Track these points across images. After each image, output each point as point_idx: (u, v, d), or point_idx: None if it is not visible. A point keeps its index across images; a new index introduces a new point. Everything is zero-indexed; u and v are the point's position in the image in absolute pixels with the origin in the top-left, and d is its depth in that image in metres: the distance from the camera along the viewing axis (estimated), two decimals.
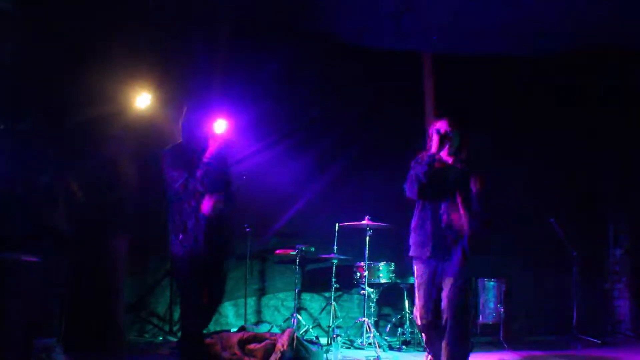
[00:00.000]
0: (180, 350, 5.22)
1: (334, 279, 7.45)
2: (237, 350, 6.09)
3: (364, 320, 7.20)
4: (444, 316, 4.80)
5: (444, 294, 4.84)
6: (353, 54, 8.68)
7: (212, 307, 5.23)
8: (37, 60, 6.23)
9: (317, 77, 8.61)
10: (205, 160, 5.04)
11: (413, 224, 5.03)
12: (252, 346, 6.05)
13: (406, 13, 7.91)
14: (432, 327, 4.90)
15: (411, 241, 5.03)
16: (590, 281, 8.91)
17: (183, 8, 7.78)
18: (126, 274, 7.24)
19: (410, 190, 4.88)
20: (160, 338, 7.40)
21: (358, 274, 7.50)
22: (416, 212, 5.02)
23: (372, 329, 7.05)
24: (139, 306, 7.68)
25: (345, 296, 8.41)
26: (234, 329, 7.01)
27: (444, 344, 4.77)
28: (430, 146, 4.92)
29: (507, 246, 8.75)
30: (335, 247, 7.48)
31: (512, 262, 8.61)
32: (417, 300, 4.99)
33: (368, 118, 8.78)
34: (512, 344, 7.46)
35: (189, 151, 5.12)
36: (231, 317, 8.13)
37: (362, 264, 7.37)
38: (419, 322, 4.97)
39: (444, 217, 4.88)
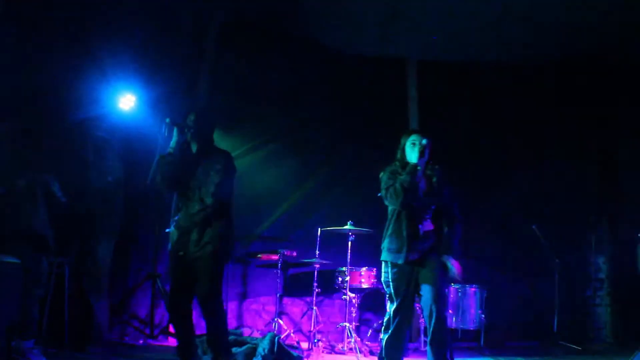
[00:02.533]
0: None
1: (315, 284, 7.45)
2: None
3: (346, 325, 7.21)
4: (424, 324, 4.89)
5: (422, 302, 4.93)
6: (339, 60, 8.70)
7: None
8: (18, 60, 6.21)
9: (302, 82, 8.61)
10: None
11: (389, 230, 5.09)
12: (233, 350, 6.05)
13: (392, 20, 7.96)
14: (401, 330, 4.98)
15: (386, 246, 5.08)
16: (571, 288, 8.94)
17: (169, 9, 7.78)
18: (108, 276, 7.23)
19: (393, 199, 4.95)
20: (141, 341, 7.36)
21: (340, 279, 7.50)
22: (391, 219, 5.09)
23: (354, 334, 7.06)
24: (121, 308, 7.63)
25: (327, 301, 8.40)
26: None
27: (433, 351, 4.85)
28: (403, 157, 5.10)
29: (489, 252, 8.80)
30: (317, 252, 7.47)
31: (494, 268, 8.65)
32: (390, 303, 5.10)
33: (353, 124, 8.79)
34: (492, 350, 7.50)
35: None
36: None
37: (344, 268, 7.37)
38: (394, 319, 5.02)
39: (421, 224, 4.99)
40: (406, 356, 5.20)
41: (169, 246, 5.09)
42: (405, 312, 4.99)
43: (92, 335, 6.69)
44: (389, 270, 5.07)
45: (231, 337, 6.26)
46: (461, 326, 7.75)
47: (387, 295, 5.18)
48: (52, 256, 5.75)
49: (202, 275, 4.94)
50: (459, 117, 9.06)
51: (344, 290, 7.38)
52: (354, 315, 7.51)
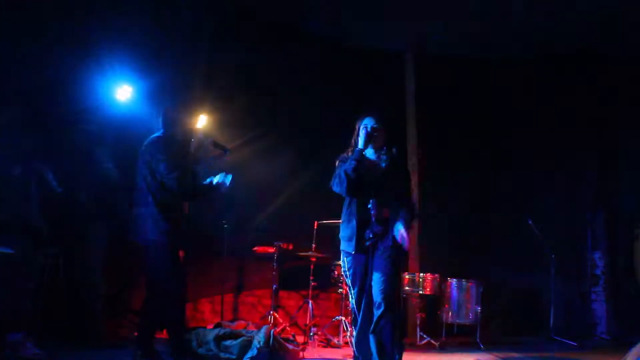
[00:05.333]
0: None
1: (311, 277, 7.43)
2: (212, 347, 6.07)
3: (341, 319, 7.19)
4: (377, 312, 4.79)
5: (376, 289, 4.81)
6: (336, 53, 8.67)
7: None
8: (14, 52, 6.17)
9: (299, 75, 8.57)
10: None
11: (342, 219, 5.04)
12: (228, 343, 6.03)
13: (389, 13, 7.94)
14: (366, 322, 4.87)
15: (340, 235, 5.04)
16: (567, 284, 8.95)
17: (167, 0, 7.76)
18: (103, 268, 7.19)
19: (339, 187, 4.91)
20: (136, 333, 7.32)
21: (336, 273, 7.48)
22: (344, 208, 5.04)
23: (349, 328, 7.04)
24: (115, 301, 7.59)
25: (323, 294, 8.38)
26: (210, 326, 6.97)
27: (375, 340, 4.77)
28: (357, 142, 4.99)
29: (485, 247, 8.79)
30: (313, 245, 7.46)
31: (490, 263, 8.64)
32: (350, 295, 5.02)
33: (350, 117, 8.74)
34: (488, 345, 7.49)
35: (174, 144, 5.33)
36: (207, 313, 8.09)
37: (340, 262, 7.34)
38: (358, 313, 4.94)
39: (372, 212, 4.87)
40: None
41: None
42: (367, 302, 4.87)
43: (86, 328, 6.66)
44: (345, 259, 5.01)
45: (227, 330, 6.26)
46: (457, 320, 7.74)
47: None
48: (46, 247, 5.72)
49: None
50: (457, 112, 9.05)
51: (340, 284, 7.36)
52: (349, 309, 7.49)
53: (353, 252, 4.90)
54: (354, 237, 4.87)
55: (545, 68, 8.99)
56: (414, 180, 8.91)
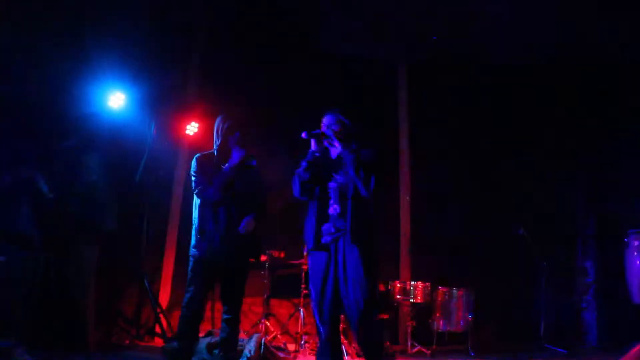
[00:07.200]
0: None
1: (303, 285, 7.44)
2: (205, 355, 6.07)
3: None
4: (350, 314, 4.71)
5: (347, 289, 4.72)
6: (327, 61, 8.69)
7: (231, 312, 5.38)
8: (7, 59, 6.18)
9: (291, 83, 8.59)
10: (225, 168, 5.29)
11: (306, 219, 5.03)
12: (215, 352, 6.03)
13: (382, 22, 7.97)
14: (332, 325, 4.81)
15: (304, 236, 5.02)
16: (558, 292, 8.96)
17: (160, 7, 7.77)
18: (95, 275, 7.17)
19: (294, 189, 4.95)
20: (128, 341, 7.31)
21: None
22: (308, 207, 5.03)
23: (341, 336, 7.03)
24: (107, 308, 7.58)
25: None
26: (201, 334, 6.97)
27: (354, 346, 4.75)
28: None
29: (477, 255, 8.80)
30: (305, 253, 7.46)
31: (481, 271, 8.65)
32: (312, 296, 4.90)
33: None
34: (479, 353, 7.50)
35: (216, 158, 5.39)
36: None
37: None
38: (317, 318, 4.85)
39: (331, 209, 4.85)
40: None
41: None
42: (330, 307, 4.78)
43: (77, 335, 6.64)
44: (309, 260, 4.98)
45: (218, 338, 6.25)
46: (448, 328, 7.76)
47: None
48: (37, 253, 5.71)
49: None
50: (449, 119, 9.07)
51: None
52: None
53: (315, 251, 4.89)
54: (312, 236, 4.88)
55: (534, 73, 9.02)
56: (405, 187, 8.97)
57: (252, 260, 5.55)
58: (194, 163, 5.39)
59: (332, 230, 4.81)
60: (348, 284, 4.70)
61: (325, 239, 4.82)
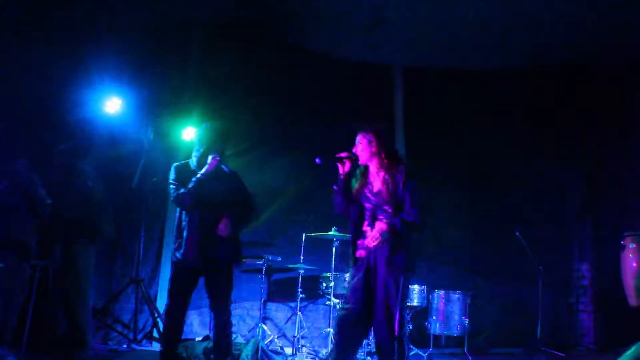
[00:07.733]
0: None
1: (300, 289, 7.45)
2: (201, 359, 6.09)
3: (330, 331, 7.20)
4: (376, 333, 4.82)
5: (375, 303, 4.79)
6: (324, 66, 8.70)
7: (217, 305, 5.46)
8: (3, 64, 6.19)
9: (288, 87, 8.61)
10: (200, 175, 5.35)
11: None
12: (212, 357, 6.03)
13: (377, 26, 7.99)
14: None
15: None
16: (555, 294, 8.99)
17: (156, 12, 7.77)
18: (91, 281, 7.17)
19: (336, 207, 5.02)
20: (125, 346, 7.32)
21: (324, 285, 7.49)
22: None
23: None
24: (104, 313, 7.59)
25: (311, 306, 8.39)
26: (198, 338, 6.98)
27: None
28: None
29: (473, 259, 8.82)
30: (302, 257, 7.48)
31: (478, 274, 8.68)
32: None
33: (337, 129, 8.78)
34: (476, 356, 7.52)
35: (195, 166, 5.49)
36: (196, 325, 8.08)
37: (329, 274, 7.37)
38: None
39: (365, 226, 4.93)
40: None
41: None
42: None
43: (74, 340, 6.64)
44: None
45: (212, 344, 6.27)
46: (445, 332, 7.76)
47: None
48: (35, 259, 5.71)
49: None
50: (444, 124, 9.09)
51: (328, 296, 7.37)
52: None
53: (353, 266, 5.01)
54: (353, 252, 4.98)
55: (529, 78, 9.05)
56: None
57: (234, 262, 5.61)
58: (172, 171, 5.50)
59: (365, 245, 4.88)
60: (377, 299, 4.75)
61: (360, 253, 4.90)
